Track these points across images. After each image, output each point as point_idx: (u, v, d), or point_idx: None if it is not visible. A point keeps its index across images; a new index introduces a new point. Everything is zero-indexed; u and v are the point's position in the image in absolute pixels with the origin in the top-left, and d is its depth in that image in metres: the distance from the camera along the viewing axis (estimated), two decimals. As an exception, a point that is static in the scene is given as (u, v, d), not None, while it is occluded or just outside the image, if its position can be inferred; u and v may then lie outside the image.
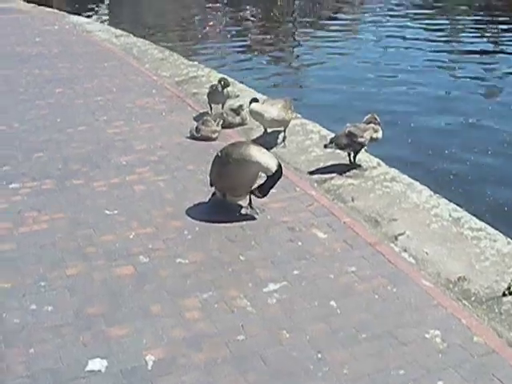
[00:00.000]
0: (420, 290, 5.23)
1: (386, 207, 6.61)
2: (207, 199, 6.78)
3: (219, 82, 9.19)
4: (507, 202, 8.72)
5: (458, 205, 6.73)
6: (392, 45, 17.93)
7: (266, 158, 6.13)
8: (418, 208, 6.58)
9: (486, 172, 9.74)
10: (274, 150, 8.14)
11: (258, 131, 8.74)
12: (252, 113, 7.84)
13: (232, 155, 6.14)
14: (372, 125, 7.43)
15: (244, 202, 6.58)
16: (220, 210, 6.55)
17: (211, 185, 6.62)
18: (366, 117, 7.49)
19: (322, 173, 7.46)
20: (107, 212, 6.58)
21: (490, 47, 18.41)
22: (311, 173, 7.47)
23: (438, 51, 17.65)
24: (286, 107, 8.08)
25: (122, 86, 11.11)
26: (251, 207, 6.53)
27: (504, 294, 5.15)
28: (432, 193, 6.95)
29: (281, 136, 8.45)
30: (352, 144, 7.31)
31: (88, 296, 5.21)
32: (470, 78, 14.95)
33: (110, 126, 9.15)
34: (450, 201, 6.80)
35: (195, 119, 9.29)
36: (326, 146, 7.37)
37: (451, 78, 14.73)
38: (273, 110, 7.83)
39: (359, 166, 7.51)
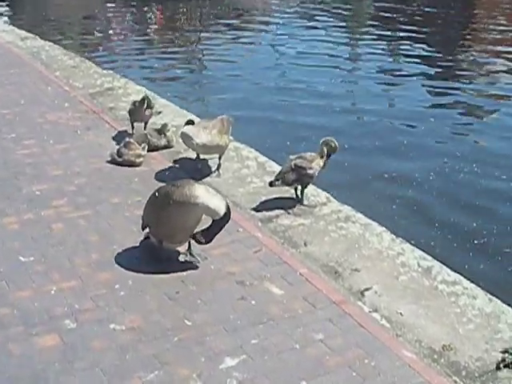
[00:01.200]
0: (402, 364, 4.49)
1: (345, 254, 5.87)
2: (138, 242, 5.79)
3: (142, 100, 8.18)
4: (471, 233, 8.04)
5: (423, 250, 6.06)
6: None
7: (214, 200, 5.25)
8: (382, 255, 5.86)
9: (443, 199, 9.05)
10: (208, 179, 7.23)
11: (186, 155, 7.81)
12: (183, 136, 6.92)
13: (173, 196, 5.22)
14: (320, 151, 6.64)
15: (182, 248, 5.63)
16: (155, 257, 5.63)
17: (143, 228, 5.65)
18: (322, 141, 6.67)
19: (265, 209, 6.63)
20: (22, 259, 5.58)
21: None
22: (254, 209, 6.61)
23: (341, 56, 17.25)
24: (222, 131, 7.22)
25: (31, 98, 9.96)
26: (191, 254, 5.68)
27: (498, 368, 4.43)
28: (393, 236, 6.26)
29: (214, 163, 7.48)
30: (300, 178, 6.53)
31: (4, 380, 4.16)
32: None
33: (19, 146, 8.06)
34: (414, 245, 6.10)
35: (115, 139, 8.31)
36: (271, 184, 6.56)
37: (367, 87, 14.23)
38: (205, 134, 6.91)
39: (305, 201, 6.79)
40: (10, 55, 13.00)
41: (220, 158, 7.41)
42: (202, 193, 5.25)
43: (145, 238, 5.82)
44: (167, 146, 8.11)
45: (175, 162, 7.73)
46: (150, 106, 8.25)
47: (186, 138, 6.95)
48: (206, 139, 6.97)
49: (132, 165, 7.52)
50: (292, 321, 4.91)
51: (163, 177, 7.24)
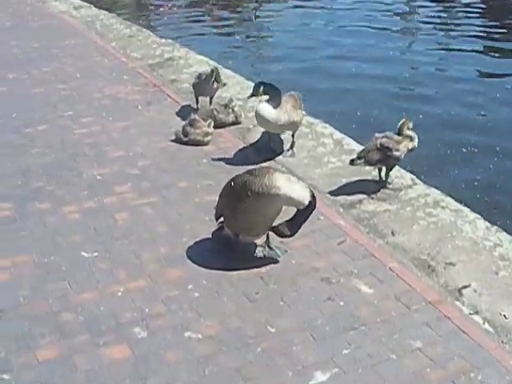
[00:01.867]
0: (514, 380, 3.85)
1: (437, 245, 5.28)
2: (210, 233, 5.25)
3: (210, 73, 7.59)
4: None
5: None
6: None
7: (297, 189, 4.68)
8: (477, 246, 5.25)
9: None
10: (281, 158, 6.63)
11: (257, 132, 7.24)
12: (258, 117, 6.32)
13: (251, 187, 4.66)
14: (408, 133, 5.98)
15: (260, 240, 5.08)
16: (230, 251, 5.11)
17: (217, 219, 5.11)
18: (400, 123, 6.00)
19: (346, 193, 6.04)
20: (84, 254, 5.09)
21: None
22: (333, 193, 6.01)
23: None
24: (296, 107, 6.60)
25: (87, 71, 9.47)
26: (270, 247, 5.12)
27: None
28: (488, 223, 5.60)
29: (287, 140, 6.94)
30: (385, 159, 5.90)
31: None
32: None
33: (76, 125, 7.58)
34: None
35: (178, 115, 7.77)
36: (352, 163, 5.95)
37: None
38: (281, 112, 6.30)
39: (389, 183, 6.17)
40: (64, 25, 12.53)
41: (294, 136, 6.83)
42: (284, 182, 4.68)
43: (218, 229, 5.25)
44: (235, 122, 7.56)
45: (245, 139, 7.13)
46: (217, 80, 7.64)
47: (261, 118, 6.37)
48: (283, 118, 6.39)
49: (199, 144, 6.99)
50: (386, 326, 4.36)
51: (233, 157, 6.71)
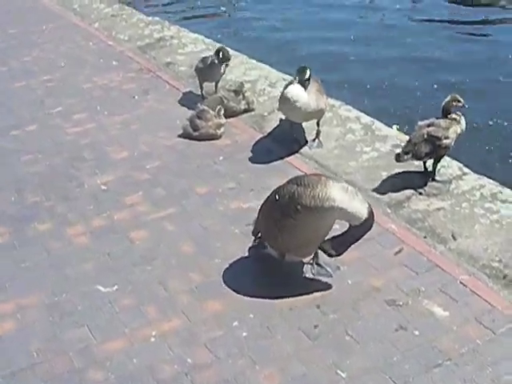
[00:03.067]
0: None
1: (507, 249, 4.56)
2: (246, 251, 4.47)
3: (217, 52, 6.72)
4: None
5: None
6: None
7: (355, 203, 3.87)
8: (557, 250, 4.44)
9: None
10: (307, 150, 5.83)
11: (273, 119, 6.43)
12: (286, 102, 5.49)
13: (301, 200, 3.89)
14: (453, 115, 5.19)
15: (307, 258, 4.31)
16: (273, 272, 4.37)
17: (256, 235, 4.33)
18: (446, 100, 5.20)
19: (390, 190, 5.28)
20: (101, 289, 4.30)
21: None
22: (375, 190, 5.24)
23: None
24: (321, 91, 5.78)
25: (72, 58, 8.58)
26: (319, 265, 4.34)
27: None
28: None
29: (310, 128, 6.18)
30: (435, 150, 5.12)
31: None
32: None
33: (69, 123, 6.73)
34: None
35: (181, 104, 6.92)
36: (399, 159, 5.20)
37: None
38: (309, 97, 5.49)
39: (437, 175, 5.42)
40: (39, 7, 11.52)
41: (319, 124, 6.01)
42: (340, 193, 3.91)
43: (255, 246, 4.48)
44: (247, 110, 6.73)
45: (262, 129, 6.31)
46: (226, 59, 6.76)
47: (289, 103, 5.53)
48: (312, 104, 5.58)
49: (211, 138, 6.17)
50: (473, 358, 3.66)
51: (253, 151, 5.94)
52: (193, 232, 4.85)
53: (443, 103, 5.27)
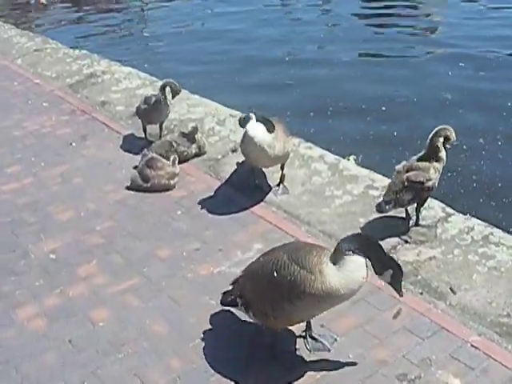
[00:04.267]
0: None
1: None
2: (225, 324, 3.94)
3: (163, 88, 6.12)
4: None
5: None
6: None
7: (355, 282, 3.40)
8: None
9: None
10: (273, 198, 5.33)
11: (228, 164, 5.89)
12: (250, 144, 4.97)
13: (305, 288, 3.50)
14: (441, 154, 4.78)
15: (297, 328, 3.82)
16: (263, 351, 3.88)
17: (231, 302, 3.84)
18: (438, 137, 4.77)
19: (372, 239, 4.68)
20: (69, 388, 3.61)
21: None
22: (355, 240, 4.69)
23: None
24: (287, 133, 5.29)
25: (-3, 101, 7.76)
26: (313, 338, 3.84)
27: None
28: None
29: (271, 172, 5.72)
30: (418, 195, 4.67)
31: None
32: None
33: (2, 178, 6.04)
34: None
35: (125, 150, 6.31)
36: (381, 210, 4.75)
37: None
38: (278, 140, 5.01)
39: (419, 221, 4.97)
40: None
41: (283, 167, 5.49)
42: (346, 278, 3.41)
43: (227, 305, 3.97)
44: (198, 154, 6.14)
45: (218, 175, 5.77)
46: (176, 93, 6.19)
47: (253, 146, 5.00)
48: (278, 146, 5.07)
49: (165, 189, 5.57)
50: None
51: (214, 203, 5.41)
52: (162, 307, 4.27)
53: (434, 140, 4.79)
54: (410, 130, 7.96)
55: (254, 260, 3.88)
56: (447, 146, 4.77)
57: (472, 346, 3.86)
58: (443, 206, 5.18)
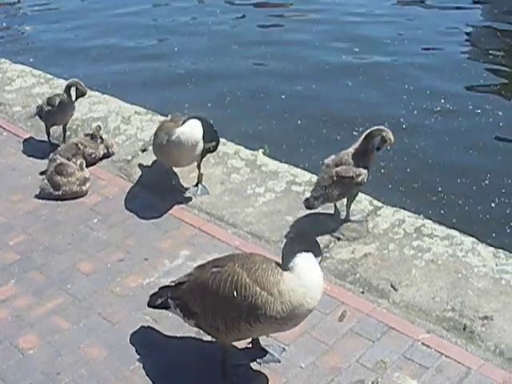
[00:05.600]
0: None
1: (455, 293, 4.15)
2: (166, 343, 3.72)
3: (67, 89, 5.77)
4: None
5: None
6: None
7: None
8: (500, 284, 4.20)
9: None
10: (193, 201, 5.14)
11: (141, 165, 5.62)
12: (180, 143, 4.71)
13: (267, 311, 3.31)
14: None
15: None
16: (213, 368, 3.70)
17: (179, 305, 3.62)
18: (369, 131, 4.69)
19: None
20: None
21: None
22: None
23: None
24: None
25: None
26: (262, 349, 3.70)
27: None
28: (491, 248, 4.52)
29: (184, 172, 5.53)
30: (348, 190, 4.56)
31: None
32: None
33: None
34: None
35: (28, 154, 5.97)
36: (309, 205, 4.66)
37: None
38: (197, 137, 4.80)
39: (349, 217, 4.88)
40: None
41: (200, 166, 5.27)
42: (309, 295, 3.26)
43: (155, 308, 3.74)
44: (106, 155, 5.83)
45: (130, 177, 5.49)
46: (81, 94, 5.83)
47: (183, 145, 4.80)
48: (201, 144, 4.86)
49: (77, 196, 5.24)
50: None
51: (133, 209, 5.15)
52: (94, 328, 3.99)
53: (370, 138, 4.66)
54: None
55: (197, 266, 3.63)
56: (382, 147, 4.64)
57: (423, 344, 3.83)
58: (370, 199, 5.09)
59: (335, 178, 4.58)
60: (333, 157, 4.72)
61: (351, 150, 4.69)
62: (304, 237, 3.46)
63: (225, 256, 3.65)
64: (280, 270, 3.27)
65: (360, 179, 4.63)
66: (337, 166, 4.64)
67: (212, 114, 6.70)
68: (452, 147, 7.48)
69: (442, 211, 6.19)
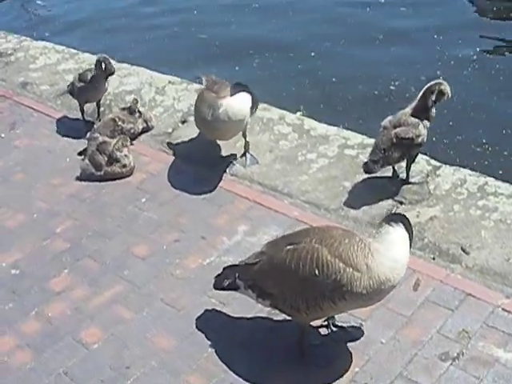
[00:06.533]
0: None
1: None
2: (238, 327, 3.56)
3: (98, 64, 5.54)
4: None
5: None
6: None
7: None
8: None
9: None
10: (241, 170, 4.92)
11: (181, 137, 5.43)
12: (228, 118, 4.50)
13: (352, 288, 3.14)
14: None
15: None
16: (292, 352, 3.55)
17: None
18: (428, 86, 4.46)
19: (363, 204, 4.55)
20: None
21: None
22: (347, 209, 4.42)
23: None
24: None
25: None
26: (337, 326, 3.56)
27: None
28: None
29: (230, 144, 5.27)
30: (408, 152, 4.32)
31: None
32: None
33: None
34: None
35: (64, 135, 5.74)
36: (368, 170, 4.47)
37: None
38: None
39: (409, 180, 4.67)
40: None
41: (245, 135, 5.04)
42: (390, 267, 3.12)
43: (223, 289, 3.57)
44: (145, 129, 5.61)
45: (175, 151, 5.26)
46: (110, 73, 5.61)
47: (235, 123, 4.65)
48: (247, 111, 4.66)
49: (121, 177, 5.03)
50: None
51: (181, 184, 4.95)
52: (159, 315, 3.82)
53: (429, 93, 4.41)
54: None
55: (268, 243, 3.45)
56: (440, 101, 4.40)
57: (504, 310, 3.64)
58: (427, 158, 4.87)
59: (394, 140, 4.37)
60: (390, 118, 4.50)
61: (408, 109, 4.46)
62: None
63: (297, 231, 3.47)
64: (367, 243, 3.07)
65: (420, 140, 4.41)
66: (395, 127, 4.41)
67: (241, 76, 6.51)
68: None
69: (500, 168, 5.91)
